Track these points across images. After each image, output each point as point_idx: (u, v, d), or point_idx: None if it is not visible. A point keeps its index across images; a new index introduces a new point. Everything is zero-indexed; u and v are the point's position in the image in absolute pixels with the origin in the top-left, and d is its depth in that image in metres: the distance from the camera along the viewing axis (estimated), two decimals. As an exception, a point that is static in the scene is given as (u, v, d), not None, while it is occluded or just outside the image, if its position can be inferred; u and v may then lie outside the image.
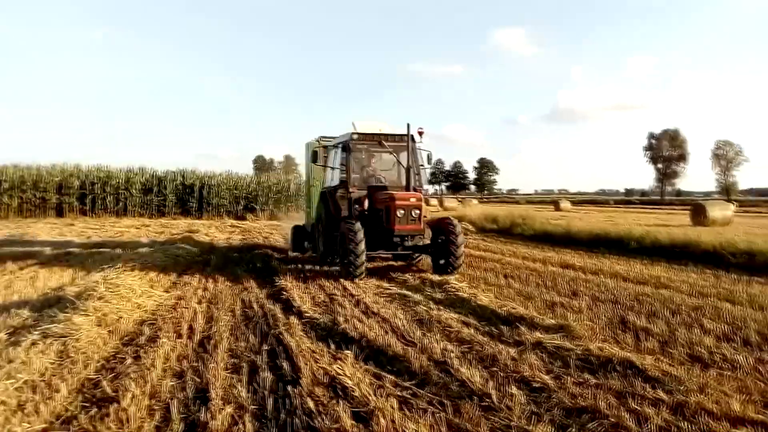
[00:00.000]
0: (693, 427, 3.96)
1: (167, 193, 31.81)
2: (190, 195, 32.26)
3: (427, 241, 11.26)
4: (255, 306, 8.21)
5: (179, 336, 6.43)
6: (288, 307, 8.06)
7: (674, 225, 26.11)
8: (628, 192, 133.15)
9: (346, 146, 11.51)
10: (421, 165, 11.91)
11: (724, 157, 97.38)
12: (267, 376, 5.05)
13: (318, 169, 14.00)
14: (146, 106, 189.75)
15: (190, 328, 6.81)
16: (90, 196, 30.94)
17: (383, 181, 12.02)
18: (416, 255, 11.92)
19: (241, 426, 4.01)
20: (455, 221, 11.27)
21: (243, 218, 31.85)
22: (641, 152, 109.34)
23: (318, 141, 13.94)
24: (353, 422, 4.04)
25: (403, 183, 11.57)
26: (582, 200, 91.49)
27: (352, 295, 8.91)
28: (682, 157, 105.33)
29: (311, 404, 4.38)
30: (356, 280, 9.95)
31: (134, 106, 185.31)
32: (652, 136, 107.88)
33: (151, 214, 31.15)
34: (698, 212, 31.53)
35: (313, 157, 12.30)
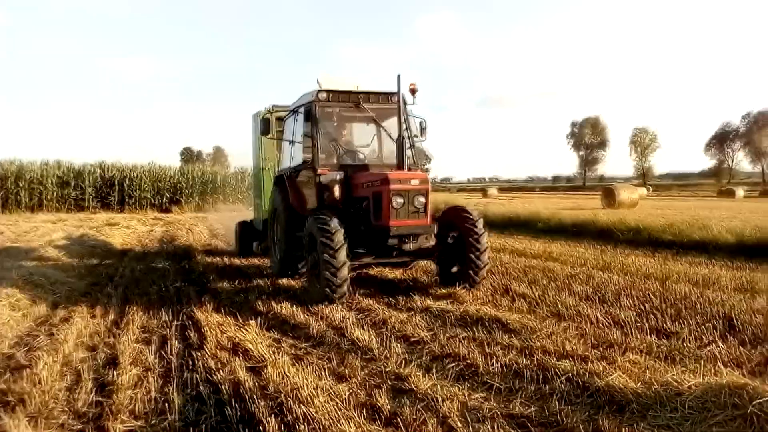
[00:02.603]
0: (529, 362, 4.82)
1: (86, 187, 30.84)
2: (110, 188, 31.43)
3: (433, 242, 7.86)
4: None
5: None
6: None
7: (587, 208, 28.04)
8: (555, 179, 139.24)
9: (310, 110, 8.12)
10: (415, 136, 8.58)
11: (641, 143, 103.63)
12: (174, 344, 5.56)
13: (270, 147, 11.54)
14: (71, 98, 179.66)
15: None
16: (1, 191, 29.58)
17: (363, 159, 8.79)
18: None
19: (146, 382, 4.51)
20: (474, 212, 8.01)
21: (168, 211, 31.40)
22: (565, 139, 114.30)
23: (270, 111, 10.84)
24: (247, 374, 4.64)
25: (388, 161, 8.49)
26: (511, 187, 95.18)
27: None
28: (602, 144, 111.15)
29: (212, 363, 4.94)
30: (334, 303, 6.98)
31: (55, 97, 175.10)
32: (574, 123, 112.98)
33: (69, 209, 30.13)
34: (608, 195, 34.00)
35: (263, 127, 9.12)
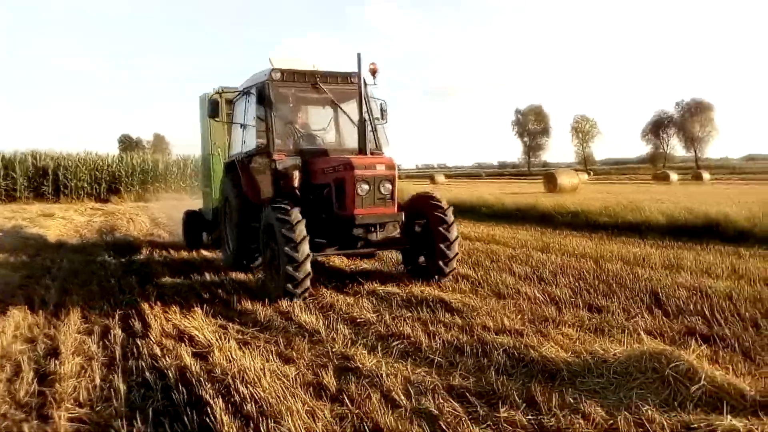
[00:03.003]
0: (470, 338, 5.05)
1: (17, 177, 29.36)
2: (44, 177, 30.04)
3: (399, 231, 7.47)
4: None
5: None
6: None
7: (530, 192, 28.98)
8: (502, 165, 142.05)
9: (263, 91, 7.62)
10: (377, 119, 8.25)
11: (582, 130, 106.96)
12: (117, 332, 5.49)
13: (219, 132, 10.85)
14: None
15: (43, 301, 6.94)
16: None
17: (321, 144, 8.42)
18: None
19: (89, 371, 4.47)
20: (443, 200, 7.67)
21: (107, 201, 30.32)
22: (510, 127, 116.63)
23: (218, 92, 9.74)
24: (193, 360, 4.66)
25: (349, 146, 8.14)
26: (458, 174, 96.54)
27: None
28: (545, 131, 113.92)
29: (157, 350, 4.93)
30: (295, 300, 6.43)
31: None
32: (518, 111, 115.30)
33: (0, 200, 28.64)
34: (549, 181, 35.19)
35: (212, 109, 8.20)
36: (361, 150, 7.17)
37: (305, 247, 6.39)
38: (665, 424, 3.26)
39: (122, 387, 4.14)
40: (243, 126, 8.29)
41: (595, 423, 3.38)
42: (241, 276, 8.22)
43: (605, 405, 3.57)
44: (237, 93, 8.89)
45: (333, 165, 7.17)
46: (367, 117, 7.32)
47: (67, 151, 31.55)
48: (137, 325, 5.81)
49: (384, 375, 4.24)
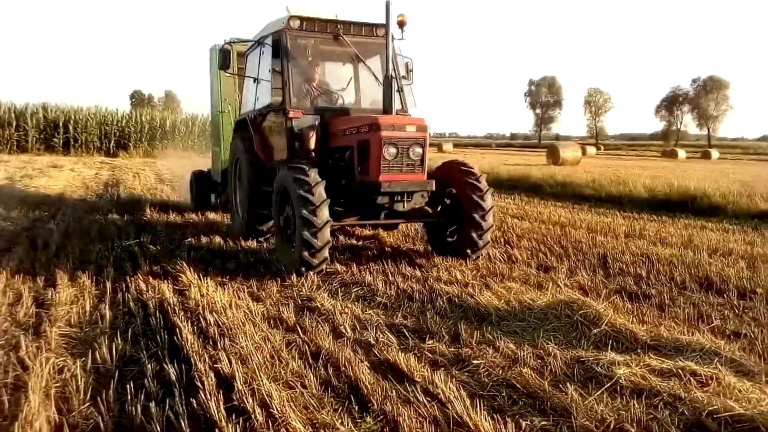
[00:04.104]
0: (422, 288, 5.65)
1: (28, 128, 29.99)
2: (54, 130, 30.65)
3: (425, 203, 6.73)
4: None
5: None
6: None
7: (532, 164, 29.27)
8: (513, 136, 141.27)
9: (280, 41, 6.93)
10: (403, 77, 7.58)
11: (595, 103, 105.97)
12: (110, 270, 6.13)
13: (230, 87, 10.22)
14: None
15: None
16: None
17: (342, 103, 7.69)
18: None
19: (81, 300, 5.10)
20: (476, 169, 6.85)
21: (115, 155, 30.95)
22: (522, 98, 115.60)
23: (229, 43, 8.39)
24: (173, 295, 5.28)
25: (369, 106, 7.53)
26: (468, 143, 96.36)
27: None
28: (557, 103, 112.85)
29: (143, 286, 5.55)
30: (312, 272, 5.92)
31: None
32: (531, 82, 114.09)
33: (12, 150, 29.35)
34: (552, 153, 35.47)
35: (222, 60, 7.48)
36: (386, 110, 6.47)
37: (325, 212, 5.78)
38: (559, 356, 3.83)
39: (108, 313, 4.77)
40: (256, 80, 7.54)
41: (502, 354, 3.96)
42: (261, 249, 7.40)
43: (518, 342, 4.15)
44: (250, 44, 8.09)
45: (357, 125, 6.47)
46: (393, 74, 6.53)
47: (77, 105, 32.09)
48: (128, 265, 6.44)
49: (338, 313, 4.84)
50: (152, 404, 3.15)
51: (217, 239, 7.84)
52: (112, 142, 31.92)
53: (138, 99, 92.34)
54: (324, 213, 5.78)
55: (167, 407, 3.14)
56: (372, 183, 6.21)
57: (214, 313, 4.62)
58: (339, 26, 7.14)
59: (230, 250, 7.30)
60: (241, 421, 2.98)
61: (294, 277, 5.97)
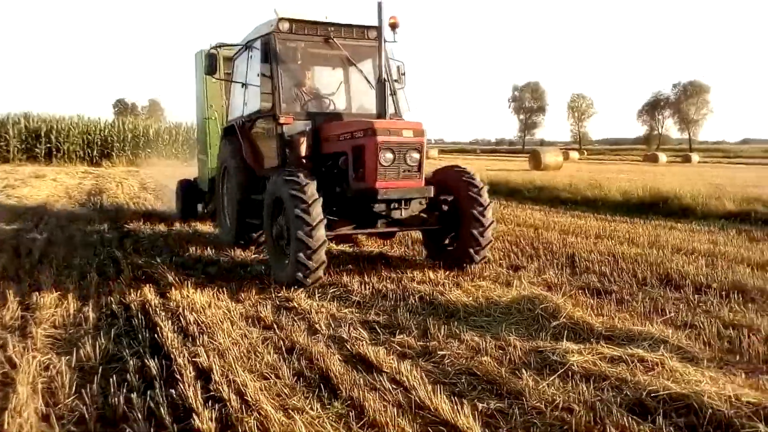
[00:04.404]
0: (396, 287, 5.89)
1: (10, 138, 29.85)
2: (36, 140, 30.53)
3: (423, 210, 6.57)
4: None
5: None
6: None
7: (514, 170, 29.68)
8: (499, 142, 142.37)
9: (269, 44, 6.78)
10: (396, 81, 7.43)
11: (578, 108, 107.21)
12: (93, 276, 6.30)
13: (216, 93, 10.15)
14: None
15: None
16: None
17: (333, 108, 7.51)
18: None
19: (65, 303, 5.26)
20: (474, 174, 6.81)
21: (98, 164, 30.88)
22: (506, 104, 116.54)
23: (216, 48, 7.95)
24: (155, 297, 5.47)
25: (360, 111, 7.42)
26: (453, 150, 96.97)
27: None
28: (541, 109, 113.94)
29: (125, 289, 5.73)
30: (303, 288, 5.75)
31: None
32: (515, 88, 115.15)
33: (-8, 161, 29.17)
34: (534, 158, 36.13)
35: (209, 64, 7.33)
36: (380, 115, 6.31)
37: (321, 232, 5.60)
38: (519, 346, 4.09)
39: (92, 315, 4.94)
40: (244, 85, 7.37)
41: (467, 345, 4.21)
42: (249, 258, 7.35)
43: (482, 335, 4.40)
44: (238, 48, 7.96)
45: (351, 130, 6.26)
46: (387, 77, 6.40)
47: (59, 115, 32.01)
48: (111, 271, 6.61)
49: (314, 312, 5.07)
50: (134, 395, 3.35)
51: (199, 246, 8.02)
52: (95, 151, 31.86)
53: (122, 107, 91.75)
54: (320, 233, 5.58)
55: (148, 398, 3.34)
56: (368, 190, 6.02)
57: (194, 312, 4.82)
58: (330, 28, 6.94)
59: (211, 256, 7.48)
60: (217, 407, 3.19)
61: (273, 279, 6.18)
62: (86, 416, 3.18)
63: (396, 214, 6.24)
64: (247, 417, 3.02)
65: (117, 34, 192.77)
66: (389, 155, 6.02)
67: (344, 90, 7.83)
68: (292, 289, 5.79)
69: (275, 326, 4.70)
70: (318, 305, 5.28)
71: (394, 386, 3.52)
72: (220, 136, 8.78)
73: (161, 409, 3.19)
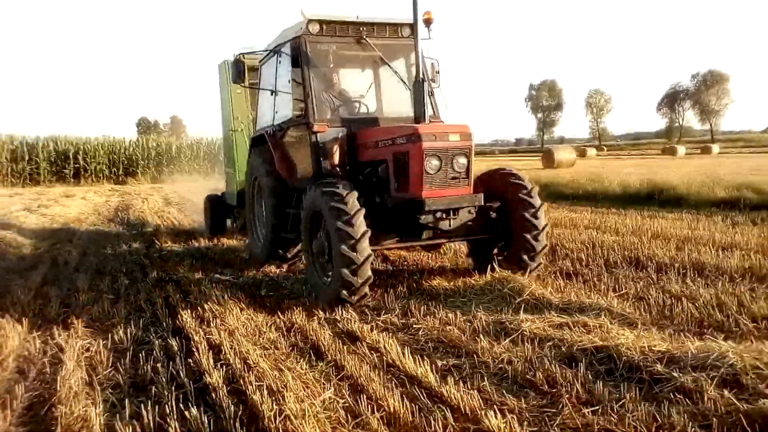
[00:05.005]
0: (392, 277, 6.58)
1: (40, 161, 31.38)
2: (65, 161, 32.02)
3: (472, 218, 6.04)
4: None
5: (56, 265, 8.28)
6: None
7: (528, 168, 30.17)
8: (518, 141, 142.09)
9: (299, 48, 6.46)
10: (432, 80, 7.00)
11: (596, 104, 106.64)
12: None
13: (242, 104, 9.89)
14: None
15: (66, 260, 8.63)
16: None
17: (367, 112, 7.17)
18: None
19: (100, 301, 6.08)
20: (525, 178, 6.36)
21: (124, 183, 32.26)
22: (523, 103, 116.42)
23: (240, 56, 7.51)
24: (177, 294, 6.27)
25: (393, 114, 6.95)
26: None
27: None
28: (558, 107, 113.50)
29: (151, 289, 6.55)
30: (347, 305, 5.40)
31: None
32: (532, 86, 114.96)
33: (24, 183, 30.70)
34: (547, 156, 36.60)
35: (236, 72, 7.08)
36: (418, 118, 5.95)
37: (366, 245, 5.22)
38: (484, 319, 4.76)
39: (123, 310, 5.75)
40: (274, 92, 7.00)
41: (440, 320, 4.90)
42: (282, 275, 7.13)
43: (455, 312, 5.08)
44: (264, 54, 7.63)
45: (391, 136, 5.91)
46: (424, 77, 6.00)
47: (86, 136, 33.52)
48: (139, 275, 7.45)
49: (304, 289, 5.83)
50: (159, 365, 4.13)
51: (218, 251, 8.84)
52: (121, 169, 33.27)
53: (144, 126, 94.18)
54: (364, 247, 5.20)
55: (170, 367, 4.10)
56: (413, 200, 5.62)
57: (209, 302, 5.60)
58: (362, 28, 6.55)
59: (227, 258, 8.28)
60: (225, 369, 3.95)
61: (274, 268, 6.89)
62: (121, 382, 3.95)
63: (444, 225, 5.79)
64: (248, 374, 3.77)
65: (136, 52, 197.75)
66: (435, 162, 5.62)
67: (375, 92, 7.42)
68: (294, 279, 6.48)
69: (278, 311, 5.44)
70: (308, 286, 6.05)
71: (372, 352, 4.24)
72: (248, 147, 8.45)
73: (181, 374, 3.95)
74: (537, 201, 6.11)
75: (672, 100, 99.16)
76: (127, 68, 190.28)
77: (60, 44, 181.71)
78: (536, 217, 6.02)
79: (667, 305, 4.96)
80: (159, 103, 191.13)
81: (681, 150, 57.41)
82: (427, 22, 6.06)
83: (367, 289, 5.38)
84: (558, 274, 6.40)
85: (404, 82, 6.85)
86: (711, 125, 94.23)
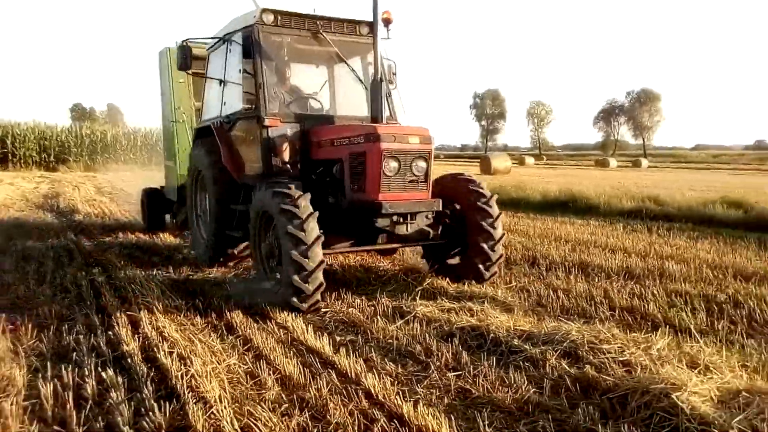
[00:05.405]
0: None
1: (-35, 144, 30.01)
2: (-8, 145, 30.75)
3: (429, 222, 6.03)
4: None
5: None
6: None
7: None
8: (463, 147, 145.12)
9: (251, 37, 6.17)
10: (390, 82, 6.90)
11: (537, 115, 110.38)
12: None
13: (184, 95, 9.48)
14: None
15: None
16: None
17: (321, 110, 6.96)
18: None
19: (25, 281, 6.29)
20: (484, 184, 6.33)
21: (54, 170, 31.26)
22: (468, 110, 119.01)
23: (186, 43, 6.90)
24: (101, 274, 6.55)
25: (347, 113, 6.79)
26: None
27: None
28: (501, 115, 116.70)
29: (77, 273, 6.80)
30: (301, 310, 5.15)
31: None
32: (476, 95, 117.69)
33: (-54, 166, 29.30)
34: (484, 163, 38.04)
35: (182, 59, 6.60)
36: (375, 119, 5.86)
37: (318, 251, 5.01)
38: (385, 303, 5.35)
39: (48, 291, 6.00)
40: (222, 82, 6.71)
41: (348, 304, 5.46)
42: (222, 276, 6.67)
43: (362, 297, 5.63)
44: (213, 42, 7.26)
45: (348, 135, 5.72)
46: (383, 77, 5.88)
47: (14, 121, 32.27)
48: (65, 259, 7.63)
49: (227, 283, 6.25)
50: (81, 337, 4.48)
51: (144, 239, 9.09)
52: (52, 156, 32.17)
53: (79, 112, 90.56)
54: (317, 253, 4.99)
55: (91, 339, 4.46)
56: (370, 203, 5.46)
57: (132, 284, 5.94)
58: (318, 22, 6.39)
59: (154, 246, 8.55)
60: (140, 340, 4.37)
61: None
62: (44, 351, 4.28)
63: (401, 230, 5.68)
64: (161, 344, 4.19)
65: (71, 35, 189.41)
66: (394, 164, 5.48)
67: (329, 90, 7.24)
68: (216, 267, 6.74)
69: (199, 295, 5.84)
70: (231, 278, 6.47)
71: (281, 329, 4.75)
72: (191, 139, 8.11)
73: (101, 345, 4.32)
74: (495, 210, 6.08)
75: (608, 114, 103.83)
76: (61, 51, 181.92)
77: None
78: (494, 227, 6.01)
79: (544, 296, 5.70)
80: (95, 89, 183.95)
81: (613, 162, 60.42)
82: (386, 22, 5.93)
83: (318, 296, 5.13)
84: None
85: (361, 81, 6.74)
86: (644, 140, 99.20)
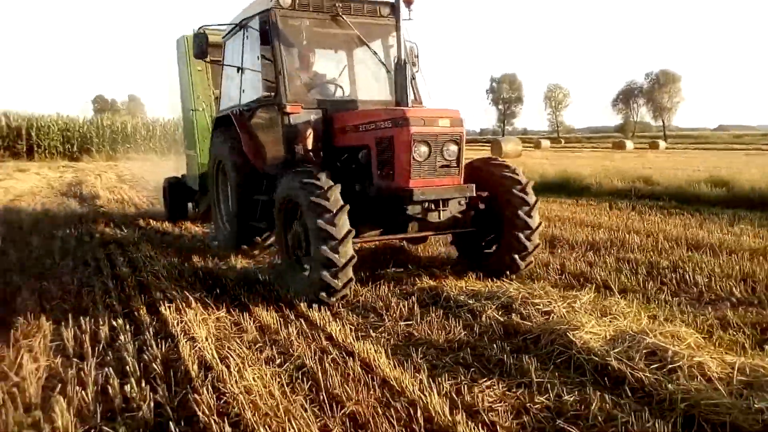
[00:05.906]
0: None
1: (-8, 136, 31.38)
2: (18, 137, 32.09)
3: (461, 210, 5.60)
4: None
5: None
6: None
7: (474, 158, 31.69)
8: (482, 132, 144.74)
9: (268, 22, 5.97)
10: (413, 65, 6.72)
11: (554, 98, 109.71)
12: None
13: (203, 83, 9.42)
14: None
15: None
16: None
17: (343, 95, 6.72)
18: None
19: (52, 254, 7.14)
20: (520, 171, 5.98)
21: (78, 160, 32.53)
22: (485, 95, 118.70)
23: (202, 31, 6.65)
24: (118, 251, 7.38)
25: (369, 98, 6.60)
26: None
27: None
28: (519, 99, 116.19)
29: (98, 254, 7.64)
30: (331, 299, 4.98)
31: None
32: (493, 79, 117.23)
33: (-25, 157, 30.71)
34: (495, 147, 38.52)
35: (199, 47, 6.40)
36: (398, 102, 5.63)
37: (349, 247, 4.83)
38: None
39: (71, 263, 6.84)
40: (240, 70, 6.59)
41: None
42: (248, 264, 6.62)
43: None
44: (229, 29, 7.10)
45: (375, 120, 5.47)
46: (406, 60, 5.68)
47: (39, 114, 33.58)
48: (86, 238, 8.50)
49: (232, 257, 7.01)
50: (98, 298, 5.29)
51: (157, 224, 9.92)
52: (75, 146, 33.44)
53: (101, 104, 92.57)
54: (348, 248, 4.81)
55: (106, 300, 5.27)
56: (400, 190, 5.20)
57: (148, 259, 6.77)
58: (338, 4, 6.17)
59: (165, 229, 9.37)
60: (146, 297, 5.19)
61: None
62: (66, 308, 5.10)
63: (433, 217, 5.33)
64: (163, 302, 4.99)
65: (92, 28, 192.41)
66: (424, 149, 5.19)
67: (348, 75, 6.99)
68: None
69: (201, 263, 6.63)
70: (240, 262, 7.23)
71: (267, 292, 5.50)
72: (211, 128, 8.00)
73: (114, 305, 5.12)
74: (532, 198, 5.76)
75: (627, 96, 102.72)
76: (82, 44, 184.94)
77: (13, 19, 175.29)
78: (530, 216, 5.67)
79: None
80: (116, 80, 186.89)
81: (629, 144, 59.98)
82: (408, 2, 5.62)
83: (347, 291, 5.00)
84: (442, 242, 7.77)
85: (384, 65, 6.50)
86: (663, 122, 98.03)
